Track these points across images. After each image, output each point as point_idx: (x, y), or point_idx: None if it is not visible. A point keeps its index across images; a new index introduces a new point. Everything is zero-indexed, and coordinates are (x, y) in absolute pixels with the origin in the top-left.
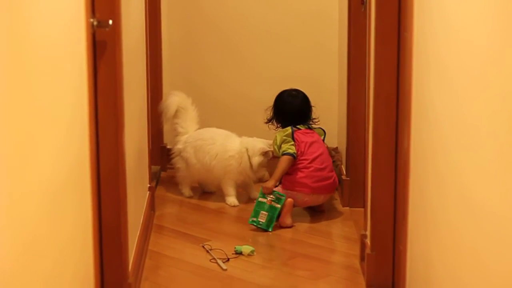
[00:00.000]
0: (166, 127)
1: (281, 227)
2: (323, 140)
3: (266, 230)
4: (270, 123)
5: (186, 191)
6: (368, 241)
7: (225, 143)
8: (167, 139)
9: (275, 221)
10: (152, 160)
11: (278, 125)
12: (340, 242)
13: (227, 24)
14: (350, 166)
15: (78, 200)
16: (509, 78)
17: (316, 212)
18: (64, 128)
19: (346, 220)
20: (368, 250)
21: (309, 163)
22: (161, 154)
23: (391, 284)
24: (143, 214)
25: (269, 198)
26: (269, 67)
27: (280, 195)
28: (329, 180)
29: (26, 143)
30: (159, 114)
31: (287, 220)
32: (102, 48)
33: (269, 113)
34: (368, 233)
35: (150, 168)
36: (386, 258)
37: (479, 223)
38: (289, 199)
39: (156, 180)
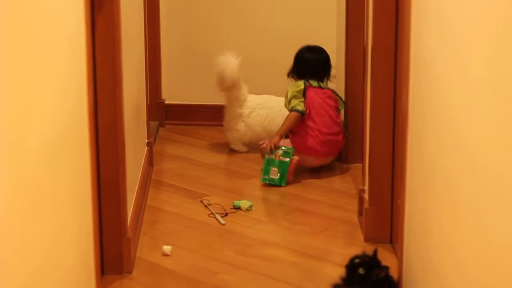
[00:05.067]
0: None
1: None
2: (339, 112)
3: (279, 185)
4: (289, 77)
5: (242, 148)
6: (366, 196)
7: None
8: (165, 95)
9: (286, 175)
10: (151, 116)
11: (294, 77)
12: (338, 197)
13: None
14: (348, 122)
15: (76, 155)
16: None
17: (314, 167)
18: (61, 81)
19: (344, 175)
20: (366, 205)
21: (319, 128)
22: (159, 110)
23: (389, 238)
24: (141, 169)
25: (277, 154)
26: (267, 21)
27: (287, 149)
28: (338, 143)
29: (23, 95)
30: (218, 81)
31: (290, 177)
32: (100, 1)
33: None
34: (366, 188)
35: (148, 124)
36: (384, 212)
37: (477, 178)
38: (296, 158)
39: (154, 135)
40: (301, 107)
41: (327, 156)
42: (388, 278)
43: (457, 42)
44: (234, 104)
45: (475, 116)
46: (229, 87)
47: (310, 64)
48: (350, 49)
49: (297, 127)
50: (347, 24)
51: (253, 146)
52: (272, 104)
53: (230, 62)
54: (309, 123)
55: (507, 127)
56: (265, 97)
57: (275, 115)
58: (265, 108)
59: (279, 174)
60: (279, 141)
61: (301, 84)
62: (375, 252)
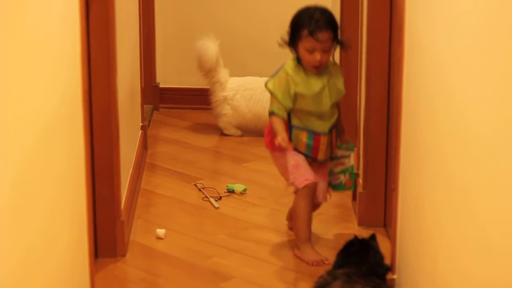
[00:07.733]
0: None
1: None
2: None
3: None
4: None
5: (236, 131)
6: (360, 180)
7: None
8: (159, 78)
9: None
10: (145, 99)
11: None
12: None
13: None
14: (342, 106)
15: (70, 138)
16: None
17: None
18: (53, 65)
19: None
20: (360, 189)
21: None
22: (153, 93)
23: (383, 222)
24: (135, 152)
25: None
26: (263, 6)
27: (344, 145)
28: None
29: (15, 77)
30: (198, 65)
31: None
32: None
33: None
34: (360, 172)
35: (142, 107)
36: (377, 196)
37: (471, 162)
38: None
39: (148, 119)
40: None
41: None
42: (382, 263)
43: (451, 26)
44: (217, 88)
45: (470, 99)
46: (209, 70)
47: None
48: (345, 35)
49: None
50: (341, 10)
51: (245, 129)
52: (255, 85)
53: (209, 46)
54: None
55: (503, 108)
56: (248, 78)
57: (259, 97)
58: (248, 89)
59: (351, 178)
60: None
61: None
62: (371, 237)
